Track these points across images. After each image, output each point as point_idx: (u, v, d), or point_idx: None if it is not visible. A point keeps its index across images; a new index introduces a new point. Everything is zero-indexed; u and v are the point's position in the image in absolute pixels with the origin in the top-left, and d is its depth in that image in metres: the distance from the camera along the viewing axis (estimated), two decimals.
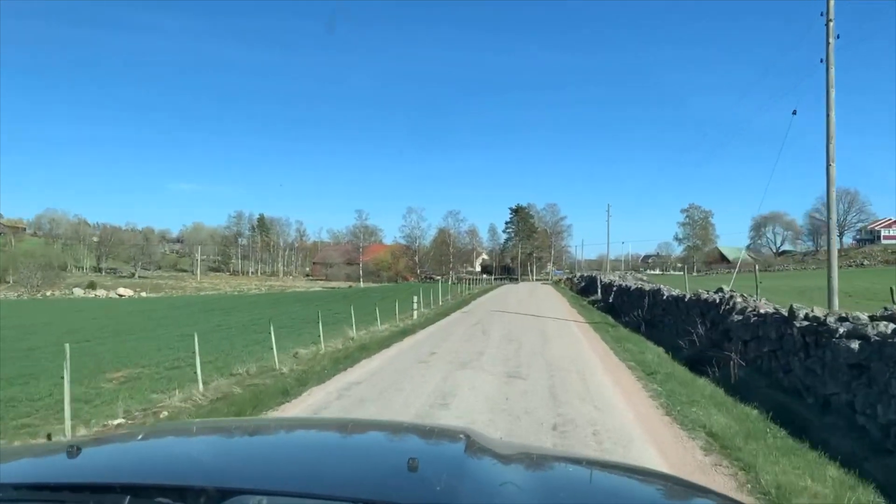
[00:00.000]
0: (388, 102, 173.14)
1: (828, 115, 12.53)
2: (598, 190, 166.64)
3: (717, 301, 12.85)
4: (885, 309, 7.12)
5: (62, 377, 6.96)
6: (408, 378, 9.21)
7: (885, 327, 6.52)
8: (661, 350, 12.85)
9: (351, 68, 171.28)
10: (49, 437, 6.39)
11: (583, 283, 48.48)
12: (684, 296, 15.73)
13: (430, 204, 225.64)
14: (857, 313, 7.69)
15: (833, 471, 5.03)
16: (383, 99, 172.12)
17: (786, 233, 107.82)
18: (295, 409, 7.87)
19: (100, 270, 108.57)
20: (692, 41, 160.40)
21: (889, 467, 5.15)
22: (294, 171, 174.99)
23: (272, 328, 12.42)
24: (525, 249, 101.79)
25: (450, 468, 1.40)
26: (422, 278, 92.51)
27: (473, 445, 1.60)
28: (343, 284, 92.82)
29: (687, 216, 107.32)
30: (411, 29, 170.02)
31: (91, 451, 1.54)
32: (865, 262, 75.80)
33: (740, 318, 10.79)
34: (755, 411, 7.40)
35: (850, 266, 71.67)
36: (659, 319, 17.59)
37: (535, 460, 1.74)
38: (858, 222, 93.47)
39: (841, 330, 7.29)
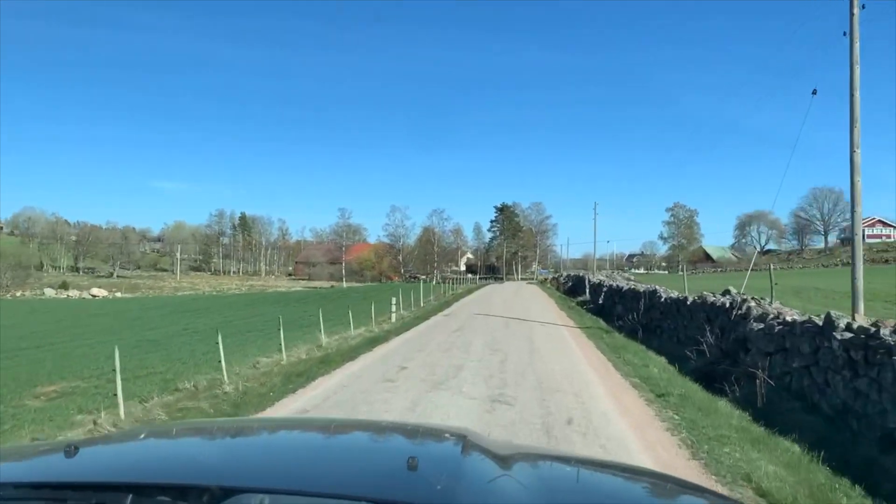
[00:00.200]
0: (388, 102, 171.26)
1: (851, 96, 11.10)
2: (584, 189, 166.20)
3: (727, 305, 11.41)
4: None
5: None
6: (366, 405, 7.51)
7: None
8: (664, 361, 11.35)
9: (351, 68, 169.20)
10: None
11: (570, 283, 46.99)
12: (686, 298, 14.28)
13: (415, 202, 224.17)
14: None
15: None
16: (383, 99, 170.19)
17: (770, 231, 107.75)
18: None
19: (77, 270, 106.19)
20: (682, 41, 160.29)
21: None
22: (277, 169, 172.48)
23: (220, 337, 10.67)
24: (510, 248, 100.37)
25: (449, 468, 1.39)
26: (406, 278, 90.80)
27: (472, 445, 1.59)
28: (326, 284, 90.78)
29: (672, 215, 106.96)
30: (411, 29, 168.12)
31: (91, 450, 1.56)
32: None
33: (761, 326, 9.32)
34: (798, 447, 5.93)
35: (836, 265, 71.43)
36: (657, 324, 16.12)
37: (533, 460, 1.72)
38: (843, 221, 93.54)
39: None
